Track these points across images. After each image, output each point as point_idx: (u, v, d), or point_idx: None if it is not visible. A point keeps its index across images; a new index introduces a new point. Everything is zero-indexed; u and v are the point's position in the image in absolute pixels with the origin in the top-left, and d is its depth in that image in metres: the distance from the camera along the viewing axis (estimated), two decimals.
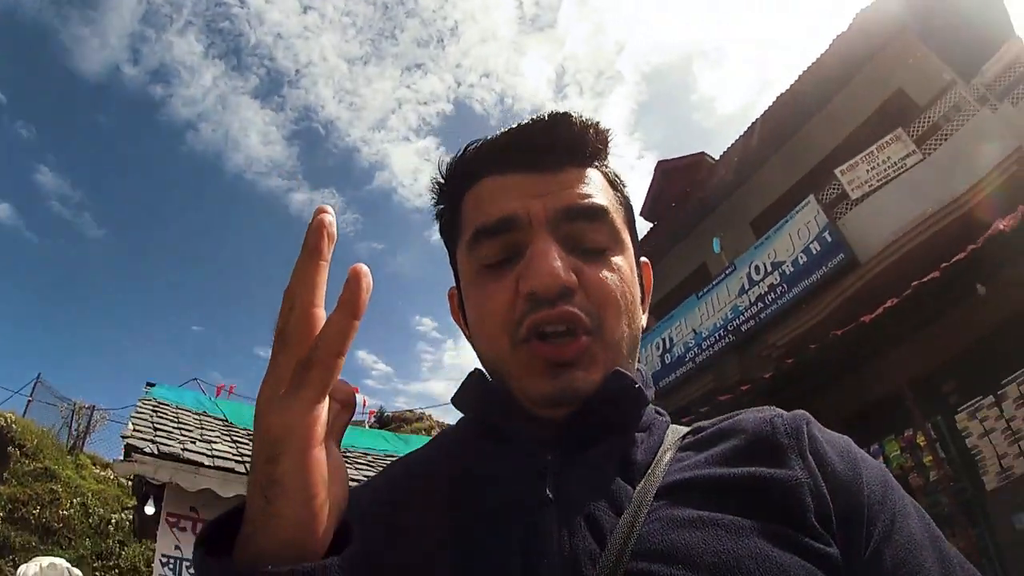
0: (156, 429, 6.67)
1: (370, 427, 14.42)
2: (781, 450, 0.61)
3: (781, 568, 0.51)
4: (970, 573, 0.59)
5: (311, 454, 0.45)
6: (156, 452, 5.87)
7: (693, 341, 10.59)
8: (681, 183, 12.86)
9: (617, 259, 0.69)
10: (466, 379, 0.74)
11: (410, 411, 23.54)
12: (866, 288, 8.15)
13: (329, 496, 0.47)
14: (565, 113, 0.70)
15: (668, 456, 0.63)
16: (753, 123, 10.69)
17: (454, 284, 0.80)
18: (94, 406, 16.36)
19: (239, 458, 6.45)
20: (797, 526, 0.55)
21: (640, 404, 0.68)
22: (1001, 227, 6.03)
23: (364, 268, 0.45)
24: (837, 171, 9.05)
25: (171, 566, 5.87)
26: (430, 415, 22.77)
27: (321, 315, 0.45)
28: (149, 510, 6.13)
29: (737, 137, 11.00)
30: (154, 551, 6.29)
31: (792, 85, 10.04)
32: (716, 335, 10.18)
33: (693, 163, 13.33)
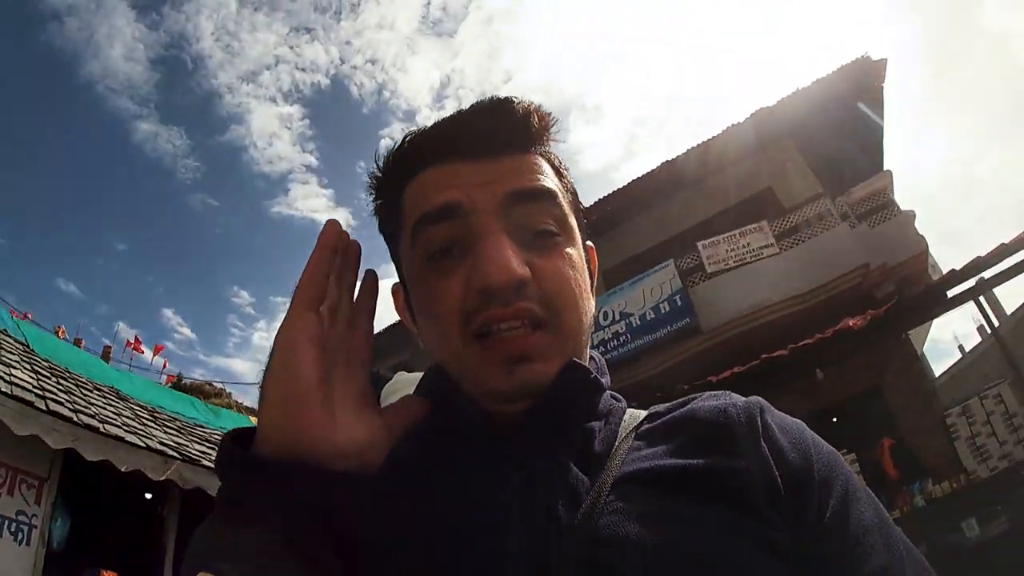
0: None
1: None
2: (735, 439, 0.61)
3: (736, 557, 0.52)
4: (916, 558, 0.60)
5: (301, 349, 0.54)
6: None
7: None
8: None
9: (568, 248, 0.66)
10: (424, 375, 0.73)
11: (209, 384, 21.55)
12: (704, 354, 8.89)
13: (340, 399, 0.56)
14: (507, 98, 0.68)
15: (625, 446, 0.63)
16: (631, 181, 11.36)
17: (397, 280, 0.76)
18: None
19: (40, 392, 5.35)
20: (752, 515, 0.55)
21: (596, 393, 0.67)
22: (851, 324, 6.84)
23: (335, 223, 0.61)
24: (699, 244, 9.83)
25: None
26: (230, 393, 21.00)
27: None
28: None
29: (613, 190, 11.62)
30: None
31: (677, 157, 10.83)
32: None
33: None
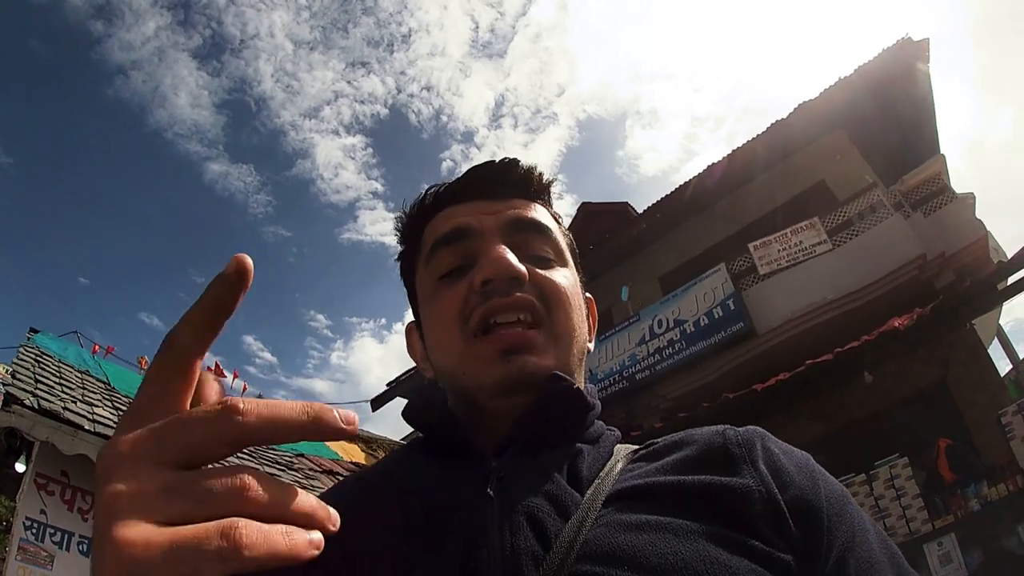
0: (38, 381, 6.02)
1: None
2: (731, 459, 0.61)
3: (728, 570, 0.51)
4: None
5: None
6: (37, 407, 5.30)
7: (588, 381, 10.72)
8: (600, 228, 13.15)
9: (563, 270, 0.74)
10: (418, 392, 0.74)
11: None
12: (759, 358, 8.59)
13: None
14: (514, 159, 0.79)
15: (619, 466, 0.63)
16: (681, 185, 11.14)
17: (412, 320, 0.83)
18: None
19: None
20: (746, 531, 0.54)
21: (582, 408, 0.68)
22: (896, 324, 6.47)
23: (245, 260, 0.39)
24: (751, 245, 9.52)
25: (35, 531, 5.25)
26: None
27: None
28: (20, 467, 5.50)
29: (664, 195, 11.44)
30: (11, 507, 5.61)
31: (725, 158, 10.55)
32: (611, 379, 10.39)
33: (616, 211, 13.68)
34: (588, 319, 0.80)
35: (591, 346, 0.79)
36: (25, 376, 5.95)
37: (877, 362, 6.76)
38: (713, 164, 10.71)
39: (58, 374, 6.81)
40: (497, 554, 0.53)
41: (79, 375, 7.40)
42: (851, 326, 7.31)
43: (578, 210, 14.15)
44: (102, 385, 7.58)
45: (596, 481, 0.60)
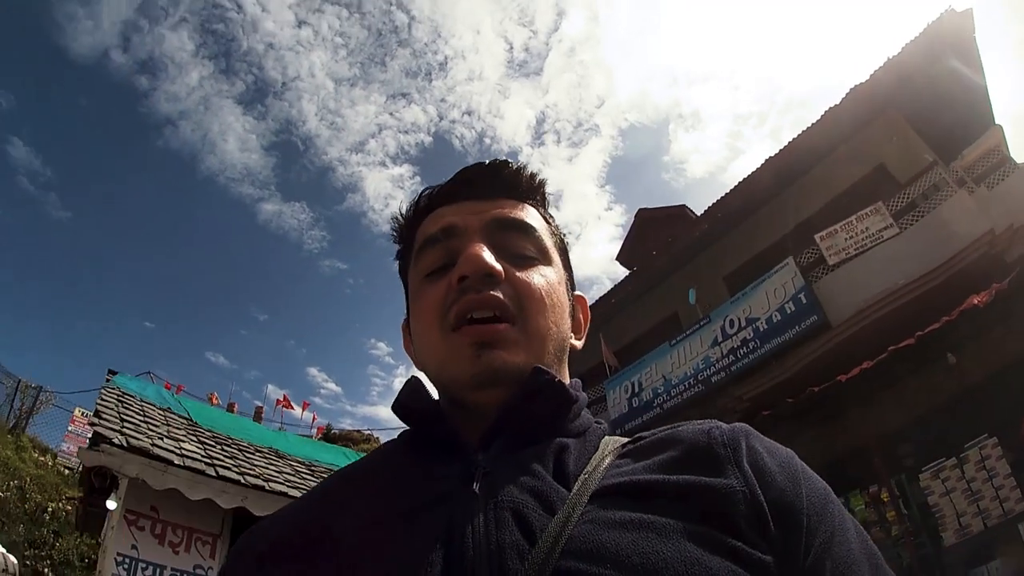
0: (123, 420, 6.40)
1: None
2: (716, 460, 0.61)
3: (709, 571, 0.51)
4: None
5: None
6: (126, 445, 5.61)
7: (662, 387, 10.79)
8: (659, 233, 13.22)
9: (544, 268, 0.76)
10: (405, 385, 0.75)
11: (357, 431, 23.38)
12: (835, 350, 8.48)
13: None
14: (505, 160, 0.82)
15: (607, 462, 0.64)
16: (740, 183, 11.13)
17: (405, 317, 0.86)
18: (41, 387, 15.46)
19: (208, 460, 6.23)
20: (729, 532, 0.55)
21: (564, 401, 0.69)
22: (975, 302, 6.37)
23: None
24: (817, 236, 9.44)
25: (126, 566, 5.49)
26: (377, 437, 22.60)
27: None
28: (111, 504, 5.72)
29: (723, 194, 11.46)
30: (93, 545, 5.97)
31: (780, 151, 10.53)
32: (686, 383, 10.41)
33: (674, 214, 13.72)
34: (576, 316, 0.83)
35: (578, 343, 0.82)
36: (110, 415, 6.32)
37: (958, 342, 6.64)
38: (770, 157, 10.70)
39: (141, 412, 7.22)
40: (482, 548, 0.53)
41: (161, 412, 7.84)
42: (925, 310, 7.18)
43: (635, 217, 14.23)
44: (184, 420, 8.00)
45: (583, 476, 0.61)
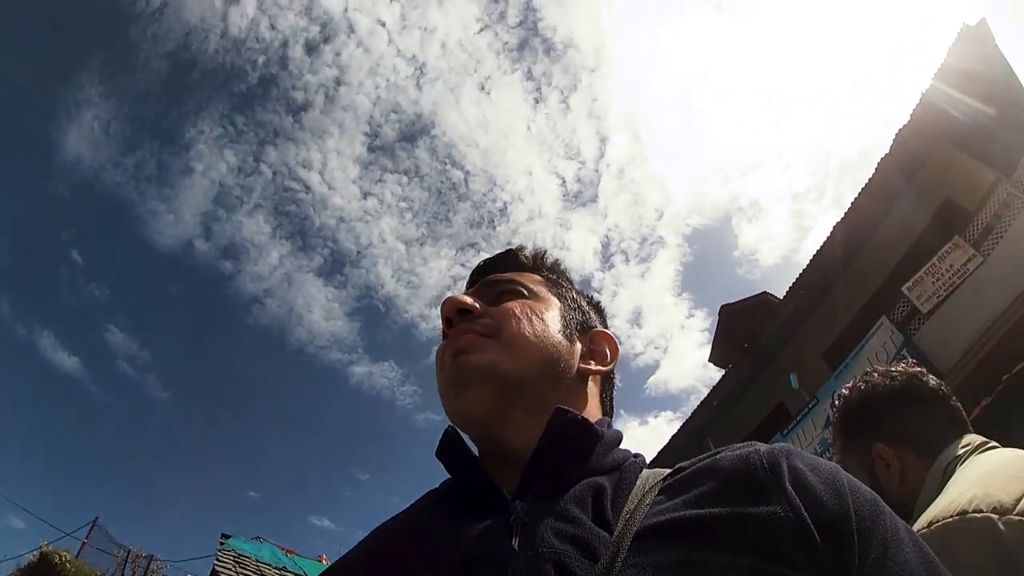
0: None
1: None
2: (759, 486, 0.58)
3: None
4: None
5: None
6: None
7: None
8: (746, 325, 12.78)
9: (524, 299, 0.81)
10: (443, 434, 0.75)
11: None
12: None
13: None
14: (516, 247, 0.92)
15: (648, 500, 0.61)
16: (814, 256, 10.80)
17: None
18: (151, 555, 16.03)
19: None
20: (780, 562, 0.52)
21: (590, 437, 0.68)
22: None
23: None
24: (904, 288, 8.92)
25: None
26: None
27: None
28: None
29: (799, 273, 11.10)
30: None
31: (845, 213, 10.24)
32: None
33: (757, 304, 13.30)
34: (594, 346, 0.85)
35: (603, 369, 0.84)
36: (229, 575, 6.41)
37: None
38: (837, 223, 10.40)
39: (258, 572, 7.28)
40: None
41: (278, 571, 7.88)
42: None
43: (719, 314, 13.86)
44: None
45: (623, 516, 0.59)
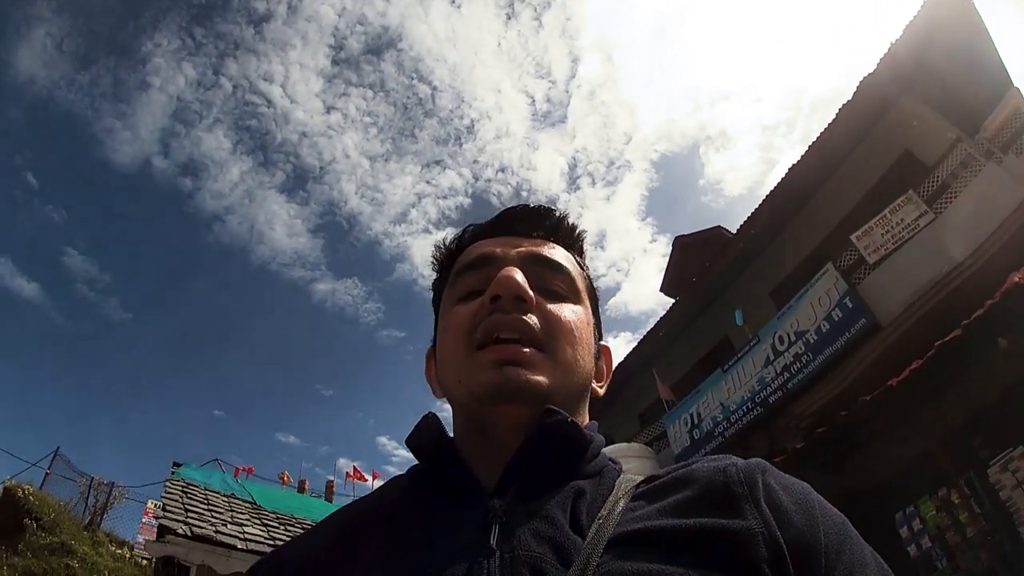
0: (187, 510, 6.61)
1: None
2: (734, 499, 0.59)
3: None
4: None
5: None
6: (189, 534, 5.77)
7: (721, 415, 10.33)
8: (699, 257, 12.88)
9: (575, 306, 0.78)
10: (420, 421, 0.74)
11: None
12: (890, 351, 7.94)
13: None
14: (549, 206, 0.86)
15: (621, 505, 0.62)
16: (768, 195, 10.77)
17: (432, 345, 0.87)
18: (113, 483, 16.02)
19: (271, 542, 6.32)
20: (747, 575, 0.53)
21: (578, 442, 0.68)
22: (1016, 279, 5.89)
23: None
24: (853, 237, 8.99)
25: None
26: None
27: None
28: None
29: (753, 210, 11.08)
30: None
31: (803, 155, 10.15)
32: (744, 408, 9.93)
33: (711, 237, 13.38)
34: (600, 365, 0.84)
35: (600, 390, 0.83)
36: (175, 507, 6.50)
37: (1009, 324, 6.12)
38: (792, 166, 10.34)
39: (206, 501, 7.40)
40: None
41: (226, 499, 8.04)
42: (978, 294, 6.69)
43: (672, 246, 13.95)
44: (249, 505, 8.17)
45: (596, 523, 0.59)
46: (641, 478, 0.68)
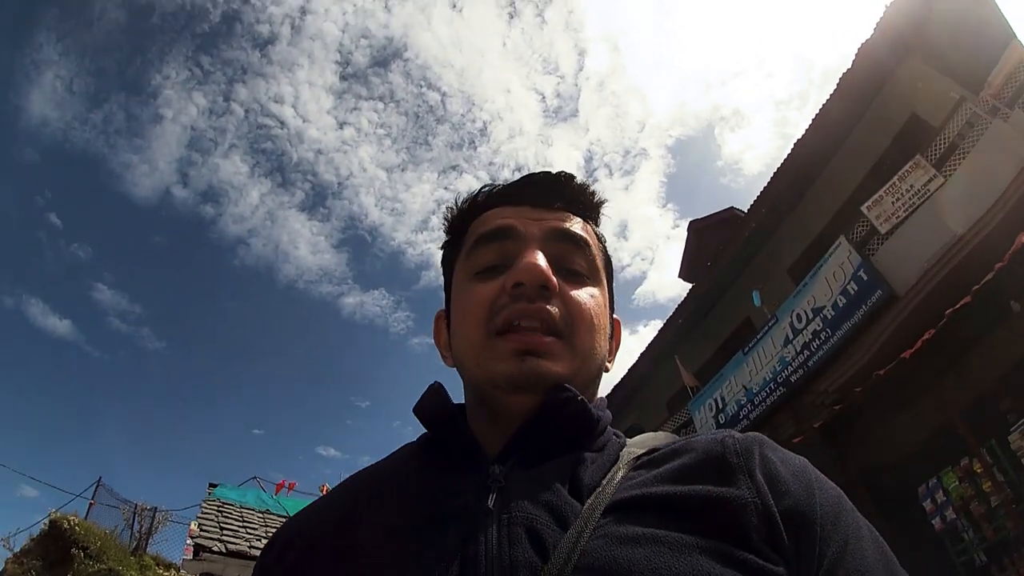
0: (222, 528, 6.76)
1: None
2: (729, 469, 0.60)
3: None
4: None
5: None
6: (224, 551, 5.89)
7: (745, 398, 10.16)
8: (715, 240, 12.69)
9: (593, 289, 0.77)
10: (427, 390, 0.75)
11: None
12: (909, 323, 7.71)
13: None
14: (570, 173, 0.83)
15: (620, 475, 0.63)
16: (776, 172, 10.56)
17: (443, 308, 0.87)
18: (156, 507, 16.53)
19: None
20: (742, 545, 0.54)
21: (585, 419, 0.68)
22: (1023, 240, 5.68)
23: None
24: (863, 207, 8.76)
25: None
26: None
27: None
28: None
29: (763, 188, 10.88)
30: None
31: (808, 128, 9.92)
32: (767, 389, 9.74)
33: (724, 219, 13.17)
34: (611, 340, 0.83)
35: (610, 365, 0.82)
36: (210, 525, 6.63)
37: (1022, 287, 5.91)
38: (798, 141, 10.11)
39: (240, 519, 7.54)
40: (495, 566, 0.54)
41: (260, 515, 8.19)
42: (992, 257, 6.46)
43: (687, 230, 13.75)
44: (284, 519, 8.25)
45: (597, 489, 0.60)
46: (643, 450, 0.69)
